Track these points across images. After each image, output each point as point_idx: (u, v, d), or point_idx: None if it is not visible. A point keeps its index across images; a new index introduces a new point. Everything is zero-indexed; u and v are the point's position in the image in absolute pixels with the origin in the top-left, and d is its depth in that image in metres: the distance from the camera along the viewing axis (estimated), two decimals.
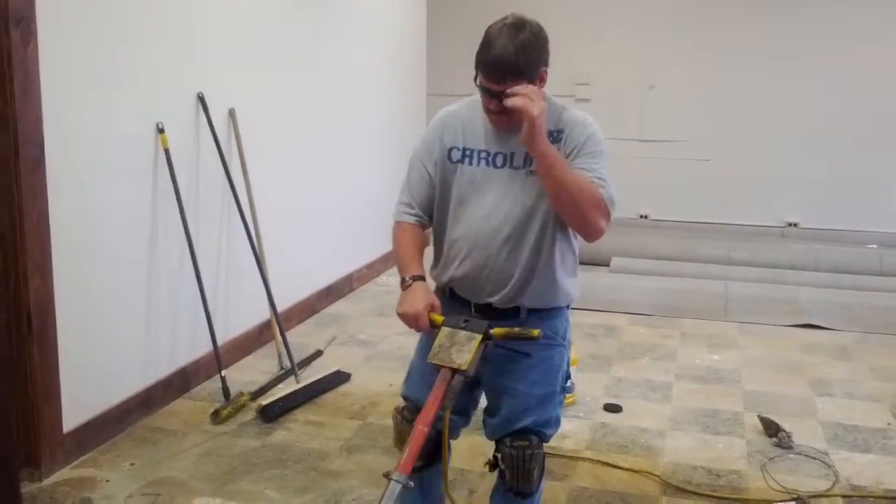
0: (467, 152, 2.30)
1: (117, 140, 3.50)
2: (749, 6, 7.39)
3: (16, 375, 3.08)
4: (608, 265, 6.34)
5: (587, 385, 4.14)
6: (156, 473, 3.25)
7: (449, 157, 2.31)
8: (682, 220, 7.78)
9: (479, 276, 2.28)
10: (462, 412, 2.41)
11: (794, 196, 7.52)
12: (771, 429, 3.61)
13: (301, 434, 3.61)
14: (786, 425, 3.61)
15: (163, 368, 3.87)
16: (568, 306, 2.42)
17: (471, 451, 3.44)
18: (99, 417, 3.46)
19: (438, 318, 2.18)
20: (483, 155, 2.28)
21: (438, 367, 2.09)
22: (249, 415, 3.77)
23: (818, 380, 4.35)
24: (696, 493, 3.15)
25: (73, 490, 3.12)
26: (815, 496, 3.12)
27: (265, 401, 3.79)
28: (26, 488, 3.08)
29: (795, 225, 7.52)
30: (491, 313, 2.26)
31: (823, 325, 5.22)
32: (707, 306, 5.46)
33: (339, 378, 4.19)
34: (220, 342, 4.00)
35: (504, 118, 2.18)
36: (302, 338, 4.78)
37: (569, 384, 2.46)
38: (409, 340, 4.76)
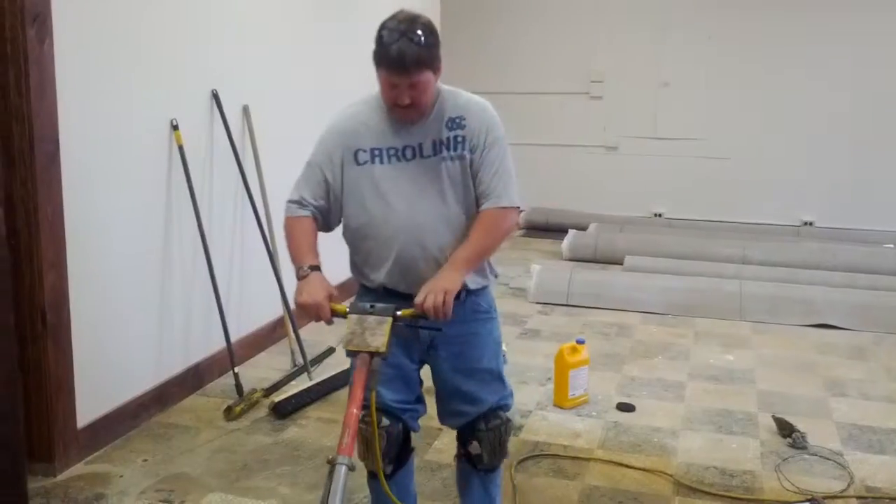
0: (376, 152, 2.33)
1: (132, 137, 3.51)
2: (767, 2, 7.35)
3: (28, 372, 3.10)
4: (622, 263, 6.32)
5: (600, 384, 4.13)
6: (169, 469, 3.26)
7: (356, 159, 2.34)
8: (697, 218, 7.76)
9: (412, 267, 2.32)
10: (419, 400, 2.51)
11: (809, 195, 7.49)
12: (785, 429, 3.59)
13: (313, 431, 3.62)
14: (800, 426, 3.59)
15: (176, 365, 3.89)
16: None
17: None
18: (113, 413, 3.48)
19: (341, 307, 2.23)
20: (392, 151, 2.32)
21: (356, 353, 2.16)
22: (262, 411, 3.78)
23: (833, 380, 4.32)
24: (709, 493, 3.13)
25: (87, 485, 3.13)
26: (829, 497, 3.10)
27: (278, 397, 3.80)
28: (40, 483, 3.11)
29: (811, 224, 7.48)
30: None
31: (839, 325, 5.19)
32: (721, 306, 5.43)
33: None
34: (233, 339, 4.01)
35: (412, 110, 2.24)
36: (315, 335, 4.78)
37: (504, 352, 2.61)
38: None
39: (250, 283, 4.41)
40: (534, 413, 3.82)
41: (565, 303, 5.59)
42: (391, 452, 2.43)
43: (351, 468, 2.02)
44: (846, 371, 4.46)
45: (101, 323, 3.40)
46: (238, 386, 3.88)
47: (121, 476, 3.21)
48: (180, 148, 3.75)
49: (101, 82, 3.31)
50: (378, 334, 2.14)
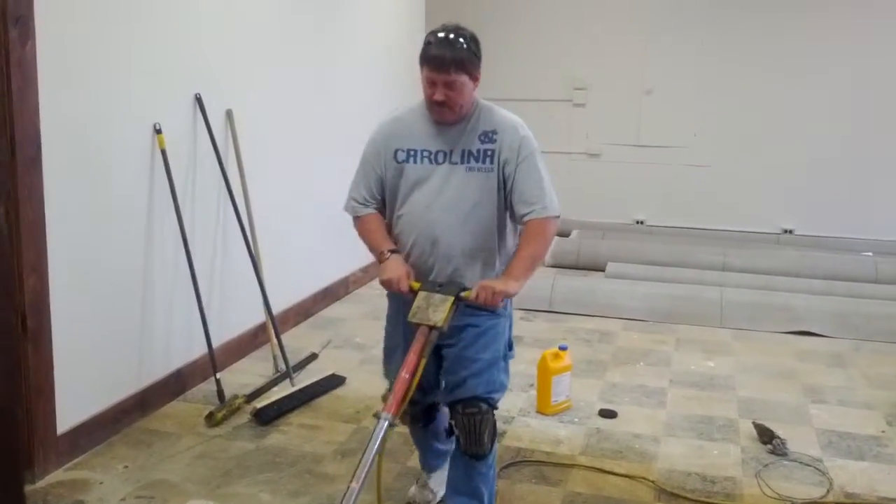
0: (411, 152, 2.61)
1: (114, 140, 3.49)
2: (748, 11, 7.41)
3: (7, 377, 3.07)
4: (604, 270, 6.34)
5: (582, 390, 4.14)
6: (150, 476, 3.24)
7: (395, 157, 2.63)
8: (678, 225, 7.79)
9: (426, 260, 2.60)
10: (437, 385, 2.71)
11: (789, 203, 7.53)
12: (765, 435, 3.61)
13: (295, 437, 3.61)
14: (780, 432, 3.61)
15: (158, 370, 3.86)
16: None
17: None
18: (93, 419, 3.45)
19: (416, 284, 2.54)
20: (425, 153, 2.60)
21: (417, 326, 2.44)
22: (244, 418, 3.76)
23: (812, 387, 4.36)
24: (690, 500, 3.15)
25: (67, 492, 3.11)
26: (809, 503, 3.13)
27: (260, 404, 3.78)
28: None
29: (791, 232, 7.53)
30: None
31: (818, 333, 5.23)
32: (702, 312, 5.46)
33: (333, 381, 4.18)
34: (215, 344, 3.99)
35: (446, 110, 2.52)
36: (297, 341, 4.77)
37: (511, 353, 2.77)
38: None
39: (232, 288, 4.39)
40: (516, 419, 3.83)
41: (548, 309, 5.61)
42: (416, 422, 2.76)
43: (392, 425, 2.29)
44: (825, 378, 4.50)
45: (82, 327, 3.38)
46: (220, 392, 3.86)
47: (101, 483, 3.18)
48: (163, 152, 3.73)
49: (83, 85, 3.29)
50: (440, 311, 2.41)
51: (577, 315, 5.53)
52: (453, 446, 2.78)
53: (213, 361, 3.93)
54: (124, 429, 3.60)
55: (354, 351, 4.73)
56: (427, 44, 2.51)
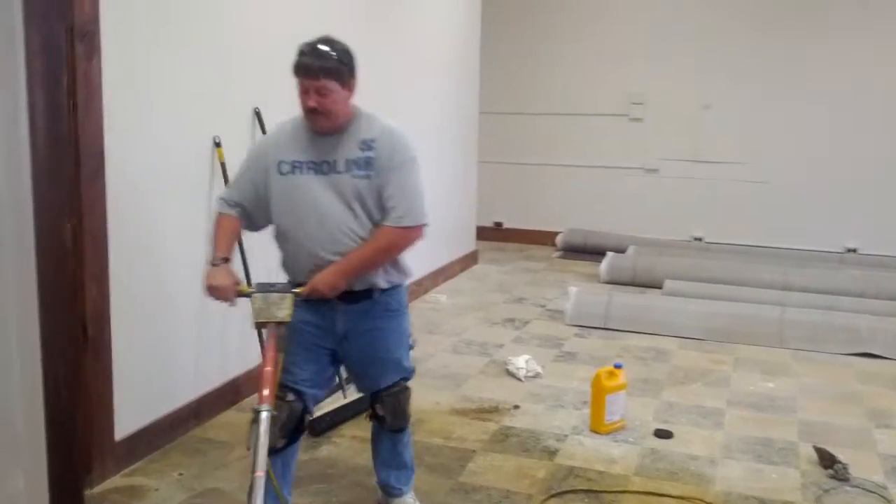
0: (297, 164, 2.68)
1: (175, 153, 3.56)
2: (810, 25, 7.28)
3: (67, 384, 3.14)
4: (661, 287, 6.25)
5: (637, 409, 4.08)
6: (204, 484, 3.28)
7: (278, 169, 2.69)
8: (737, 243, 7.66)
9: (321, 267, 2.64)
10: (321, 385, 2.87)
11: (853, 221, 7.37)
12: (826, 460, 3.51)
13: (347, 449, 3.61)
14: (842, 457, 3.51)
15: (214, 379, 3.91)
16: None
17: (518, 473, 3.41)
18: (150, 426, 3.50)
19: (245, 288, 2.65)
20: (310, 165, 2.67)
21: (264, 325, 2.58)
22: None
23: (876, 410, 4.22)
24: None
25: (123, 498, 3.16)
26: None
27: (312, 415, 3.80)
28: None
29: (855, 251, 7.35)
30: (351, 297, 2.69)
31: (882, 355, 5.08)
32: (762, 332, 5.35)
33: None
34: None
35: (321, 117, 2.61)
36: None
37: (411, 342, 3.00)
38: (457, 358, 4.75)
39: None
40: (569, 437, 3.78)
41: (603, 326, 5.54)
42: (288, 426, 2.73)
43: (271, 413, 2.42)
44: (890, 402, 4.35)
45: (141, 337, 3.44)
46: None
47: (156, 489, 3.23)
48: (222, 164, 3.79)
49: (146, 99, 3.37)
50: (283, 307, 2.56)
51: (632, 333, 5.45)
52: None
53: None
54: (180, 437, 3.65)
55: None
56: (299, 54, 2.64)
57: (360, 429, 3.81)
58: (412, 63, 5.81)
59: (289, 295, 2.59)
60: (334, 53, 2.63)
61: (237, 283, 2.66)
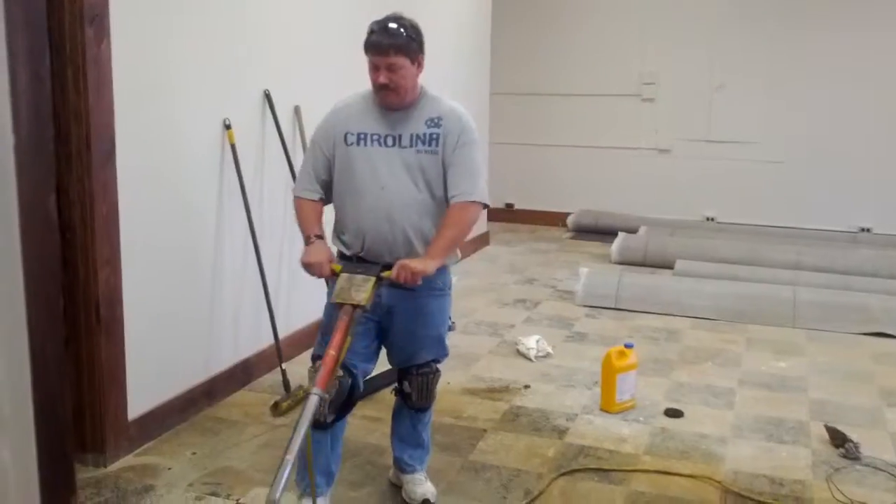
0: (362, 136, 2.74)
1: (185, 136, 3.57)
2: (823, 4, 7.21)
3: (81, 365, 3.18)
4: (672, 267, 6.24)
5: (648, 389, 4.08)
6: (216, 463, 3.31)
7: (345, 140, 2.75)
8: (749, 223, 7.63)
9: (383, 240, 2.71)
10: (371, 359, 2.90)
11: (866, 200, 7.32)
12: (837, 439, 3.51)
13: (358, 429, 3.63)
14: (853, 435, 3.50)
15: (226, 360, 3.94)
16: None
17: (528, 451, 3.43)
18: (163, 406, 3.54)
19: (337, 267, 2.66)
20: (375, 137, 2.73)
21: (341, 305, 2.54)
22: None
23: (888, 390, 4.21)
24: (757, 501, 3.08)
25: (137, 477, 3.19)
26: None
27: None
28: (91, 473, 3.18)
29: (868, 230, 7.31)
30: None
31: (895, 334, 5.06)
32: (774, 312, 5.33)
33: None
34: (281, 336, 4.06)
35: (391, 93, 2.68)
36: None
37: (451, 323, 3.06)
38: (476, 340, 4.76)
39: (299, 280, 4.44)
40: (580, 416, 3.79)
41: (613, 306, 5.54)
42: (337, 401, 2.74)
43: (323, 399, 2.38)
44: None
45: (153, 318, 3.46)
46: (285, 382, 3.92)
47: (169, 468, 3.26)
48: (233, 147, 3.80)
49: (156, 82, 3.37)
50: (362, 290, 2.54)
51: (643, 313, 5.45)
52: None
53: (280, 352, 3.99)
54: (192, 416, 3.69)
55: None
56: (369, 32, 2.68)
57: (371, 408, 3.83)
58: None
59: (372, 278, 2.57)
60: (403, 31, 2.67)
61: (331, 259, 2.70)
